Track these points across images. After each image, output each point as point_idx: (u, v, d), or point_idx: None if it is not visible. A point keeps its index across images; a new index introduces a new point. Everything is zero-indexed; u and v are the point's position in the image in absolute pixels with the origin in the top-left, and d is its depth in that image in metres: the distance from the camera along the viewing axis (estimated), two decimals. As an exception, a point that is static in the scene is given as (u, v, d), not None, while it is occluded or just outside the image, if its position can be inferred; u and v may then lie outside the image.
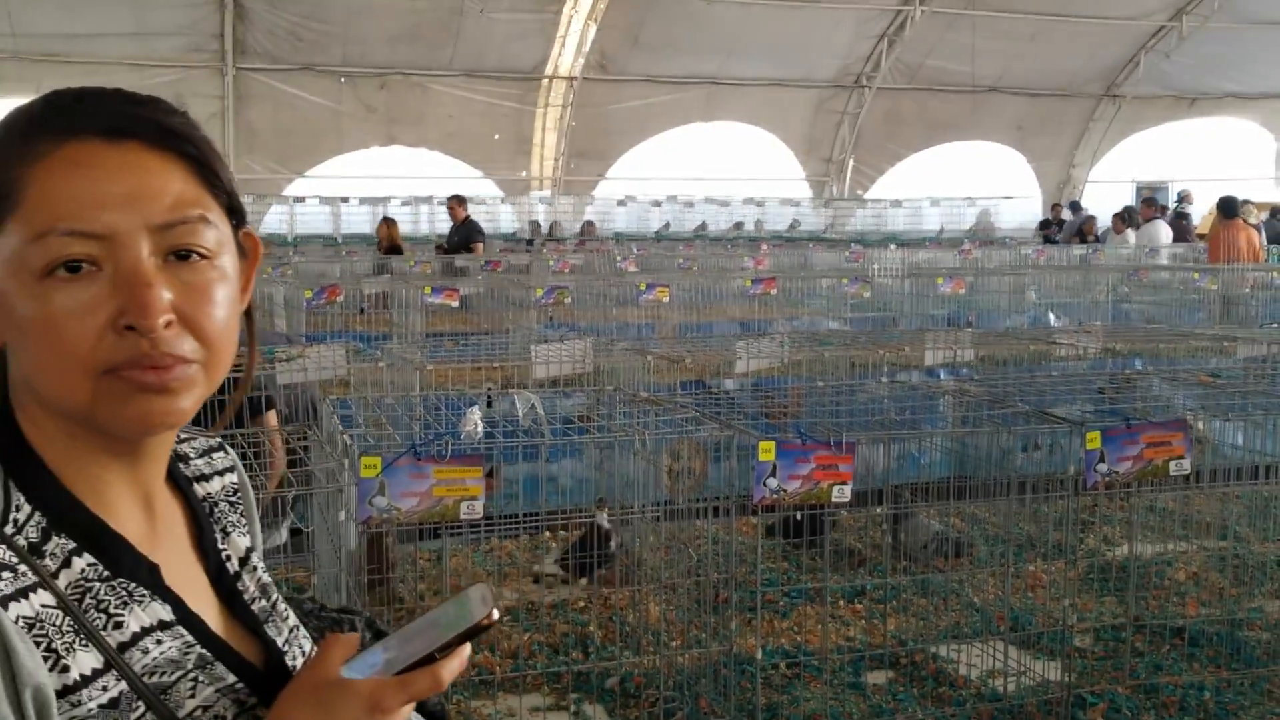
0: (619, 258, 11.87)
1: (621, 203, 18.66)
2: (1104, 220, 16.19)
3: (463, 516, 2.75)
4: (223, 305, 0.95)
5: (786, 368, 5.31)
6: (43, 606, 0.89)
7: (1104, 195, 20.43)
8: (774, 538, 4.51)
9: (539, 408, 3.83)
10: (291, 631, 1.12)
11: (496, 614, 0.97)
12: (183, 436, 1.15)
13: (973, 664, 3.51)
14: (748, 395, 5.04)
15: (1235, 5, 19.15)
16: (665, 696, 3.27)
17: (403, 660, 0.96)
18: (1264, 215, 14.31)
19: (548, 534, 4.57)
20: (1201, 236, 15.81)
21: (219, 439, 1.20)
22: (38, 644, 0.87)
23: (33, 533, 0.92)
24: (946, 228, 19.37)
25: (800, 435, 3.01)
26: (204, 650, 0.99)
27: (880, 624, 3.83)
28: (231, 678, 0.99)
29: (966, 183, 20.16)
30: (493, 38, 17.49)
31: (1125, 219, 14.99)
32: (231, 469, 1.19)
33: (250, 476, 1.26)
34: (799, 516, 4.23)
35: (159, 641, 0.96)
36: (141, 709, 0.91)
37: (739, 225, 18.77)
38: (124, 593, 0.95)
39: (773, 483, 2.90)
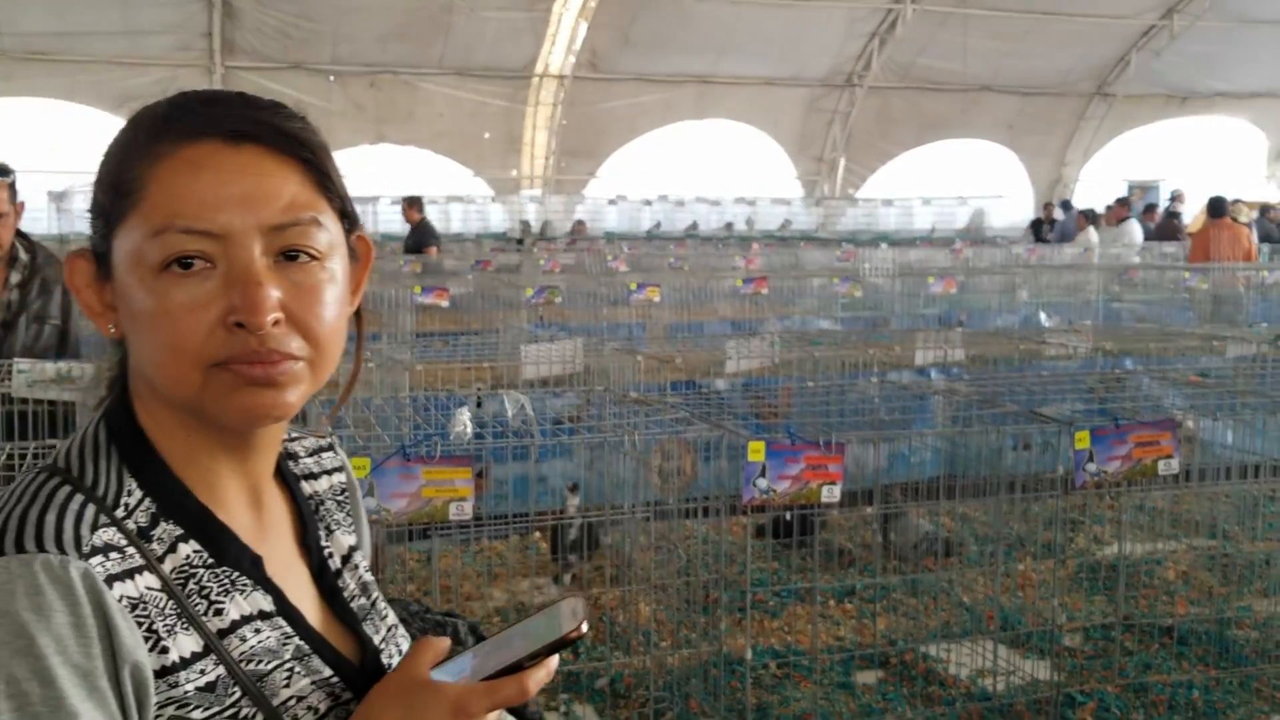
0: (609, 257, 11.85)
1: (612, 202, 18.65)
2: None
3: (452, 517, 2.74)
4: (331, 306, 0.98)
5: (777, 367, 5.31)
6: (147, 589, 0.92)
7: (1095, 194, 20.46)
8: (764, 538, 4.51)
9: (528, 408, 3.82)
10: (390, 630, 1.14)
11: (586, 627, 0.98)
12: (293, 435, 1.18)
13: (962, 663, 3.52)
14: (738, 395, 5.04)
15: (1226, 4, 19.20)
16: (655, 696, 3.27)
17: (491, 667, 0.98)
18: (1254, 214, 14.35)
19: (537, 534, 4.56)
20: (1192, 235, 15.87)
21: (329, 439, 1.23)
22: (139, 624, 0.90)
23: (142, 518, 0.96)
24: (938, 227, 19.39)
25: (790, 435, 3.01)
26: (302, 642, 1.01)
27: (870, 623, 3.83)
28: (327, 671, 1.02)
29: (958, 182, 20.19)
30: (483, 36, 17.46)
31: (1089, 217, 15.07)
32: (340, 469, 1.21)
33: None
34: (789, 516, 4.23)
35: (258, 631, 0.98)
36: (238, 694, 0.94)
37: (730, 225, 18.77)
38: (227, 581, 0.98)
39: (762, 483, 2.90)
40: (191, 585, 0.96)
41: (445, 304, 7.43)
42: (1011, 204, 19.98)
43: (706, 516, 3.48)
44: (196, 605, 0.95)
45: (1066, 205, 17.90)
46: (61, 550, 0.88)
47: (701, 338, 6.85)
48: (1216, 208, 11.48)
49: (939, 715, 3.30)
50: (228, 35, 16.53)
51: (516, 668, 0.97)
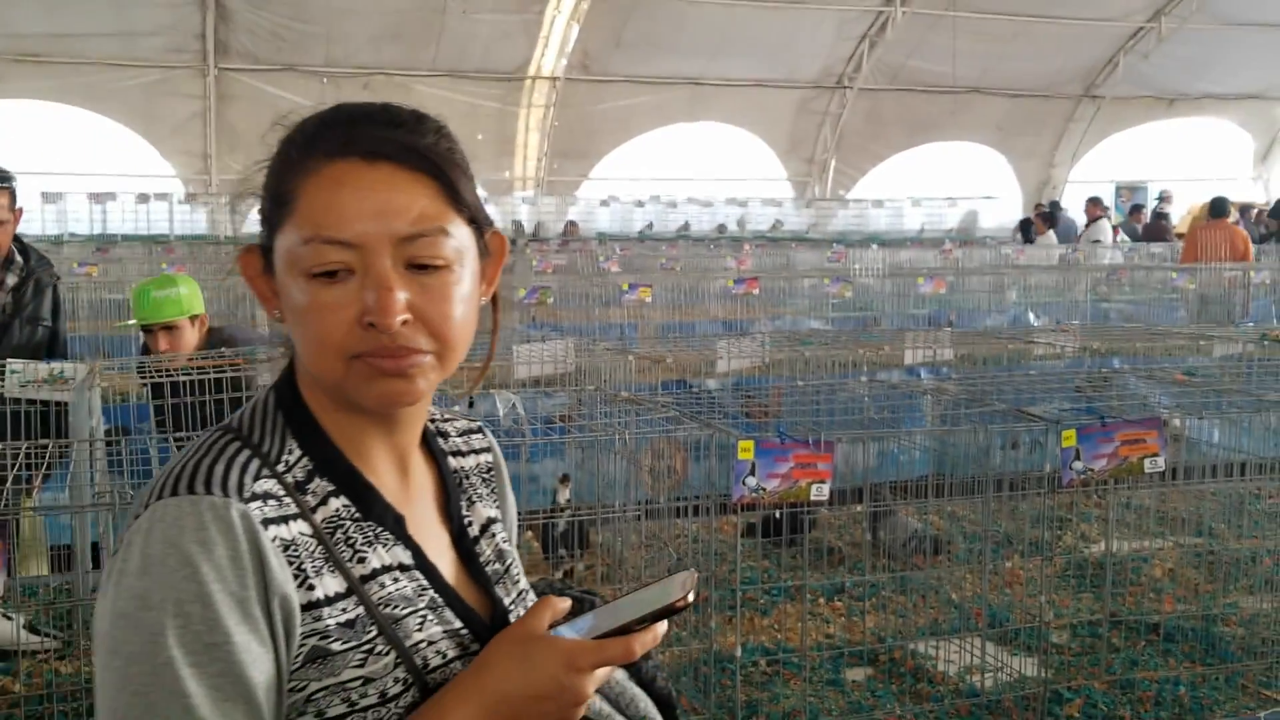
0: (602, 258, 11.87)
1: (604, 203, 18.65)
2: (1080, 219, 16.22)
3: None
4: (457, 305, 1.10)
5: (768, 367, 5.33)
6: (299, 534, 1.07)
7: (1084, 195, 20.53)
8: (754, 536, 4.53)
9: (520, 407, 3.84)
10: (520, 594, 1.26)
11: (691, 598, 1.07)
12: (447, 417, 1.34)
13: (951, 660, 3.54)
14: (729, 395, 5.06)
15: (1213, 6, 19.28)
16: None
17: (602, 629, 1.07)
18: (1234, 214, 14.41)
19: (529, 533, 4.58)
20: (1180, 236, 15.93)
21: (478, 423, 1.37)
22: (290, 563, 1.04)
23: (299, 473, 1.11)
24: (927, 228, 19.43)
25: (779, 434, 3.03)
26: (436, 595, 1.14)
27: (859, 621, 3.85)
28: (457, 623, 1.14)
29: (947, 183, 20.23)
30: (476, 38, 17.46)
31: (1046, 219, 15.12)
32: (487, 450, 1.35)
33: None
34: (778, 515, 4.26)
35: (396, 580, 1.11)
36: (374, 632, 1.07)
37: (721, 227, 18.78)
38: (370, 534, 1.12)
39: (752, 481, 2.92)
40: (339, 535, 1.09)
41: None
42: (1002, 205, 20.02)
43: (697, 515, 3.50)
44: (342, 552, 1.09)
45: (1055, 206, 17.95)
46: (225, 494, 1.03)
47: (693, 338, 6.86)
48: (1218, 208, 11.60)
49: (927, 712, 3.33)
50: (221, 37, 16.50)
51: (626, 630, 1.06)
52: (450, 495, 1.24)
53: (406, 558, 1.13)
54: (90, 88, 16.24)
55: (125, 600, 0.99)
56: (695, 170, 19.59)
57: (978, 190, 20.10)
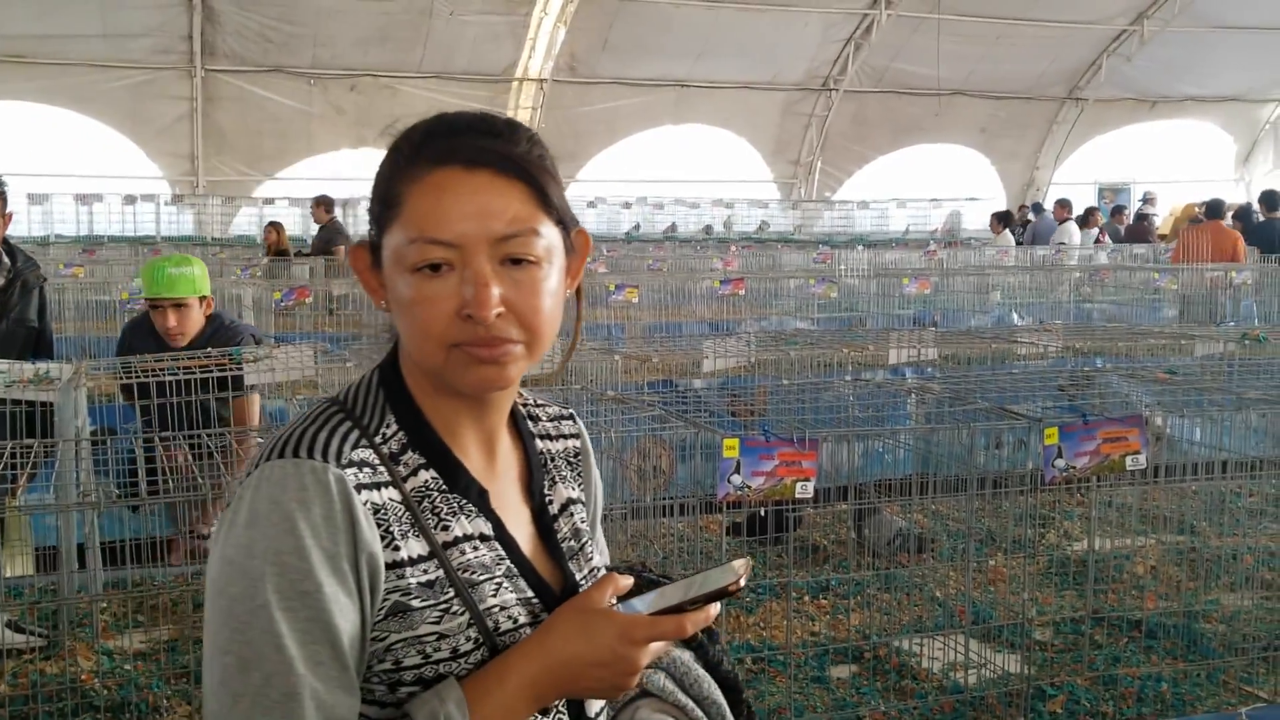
0: (589, 259, 11.86)
1: (591, 204, 18.64)
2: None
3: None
4: (546, 298, 1.20)
5: (754, 367, 5.35)
6: (389, 499, 1.17)
7: (1069, 197, 20.64)
8: (740, 535, 4.55)
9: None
10: (592, 571, 1.35)
11: (744, 583, 1.16)
12: (540, 403, 1.44)
13: (935, 657, 3.56)
14: (715, 394, 5.08)
15: (1195, 9, 19.41)
16: (632, 691, 3.29)
17: (658, 606, 1.17)
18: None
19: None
20: (1163, 237, 16.03)
21: (569, 410, 1.47)
22: (379, 525, 1.15)
23: (394, 445, 1.21)
24: (912, 229, 19.50)
25: (764, 432, 3.05)
26: (512, 565, 1.24)
27: (844, 619, 3.87)
28: (529, 592, 1.24)
29: (932, 185, 20.31)
30: (462, 40, 17.46)
31: (1002, 220, 15.22)
32: (576, 436, 1.45)
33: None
34: (764, 513, 4.27)
35: (476, 548, 1.22)
36: (452, 594, 1.18)
37: (708, 228, 18.81)
38: (455, 505, 1.22)
39: (737, 479, 2.94)
40: (426, 503, 1.20)
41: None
42: (987, 206, 20.12)
43: (683, 514, 3.52)
44: (428, 519, 1.19)
45: (1038, 208, 18.04)
46: (325, 459, 1.14)
47: (679, 338, 6.88)
48: (1214, 210, 11.75)
49: (912, 708, 3.34)
50: (208, 38, 16.47)
51: (680, 609, 1.15)
52: (534, 474, 1.34)
53: (487, 529, 1.24)
54: (77, 89, 16.18)
55: (232, 548, 1.12)
56: (682, 172, 19.62)
57: (962, 192, 20.17)
